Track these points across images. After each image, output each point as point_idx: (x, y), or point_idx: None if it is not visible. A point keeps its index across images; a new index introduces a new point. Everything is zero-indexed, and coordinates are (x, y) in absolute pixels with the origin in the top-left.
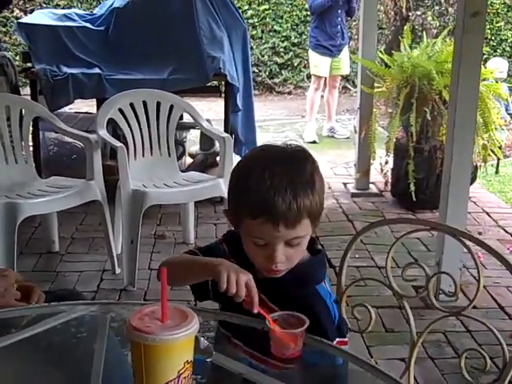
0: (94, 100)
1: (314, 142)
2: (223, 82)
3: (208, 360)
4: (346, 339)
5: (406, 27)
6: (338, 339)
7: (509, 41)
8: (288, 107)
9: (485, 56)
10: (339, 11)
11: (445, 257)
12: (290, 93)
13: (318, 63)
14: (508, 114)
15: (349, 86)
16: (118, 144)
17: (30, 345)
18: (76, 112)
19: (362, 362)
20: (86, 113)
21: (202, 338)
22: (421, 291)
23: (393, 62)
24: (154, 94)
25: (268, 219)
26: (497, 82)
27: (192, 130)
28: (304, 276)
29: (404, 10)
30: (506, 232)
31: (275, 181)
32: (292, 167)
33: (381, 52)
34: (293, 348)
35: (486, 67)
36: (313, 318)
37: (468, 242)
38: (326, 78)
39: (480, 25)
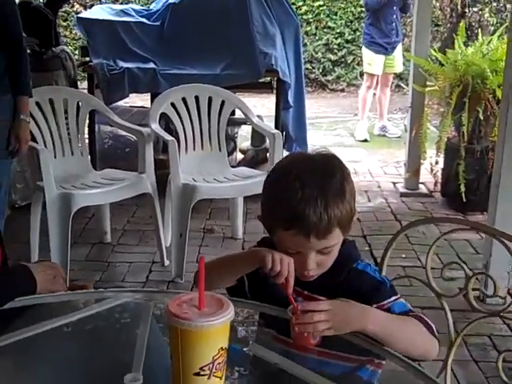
0: (149, 94)
1: (366, 141)
2: (275, 79)
3: (244, 349)
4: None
5: (461, 24)
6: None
7: None
8: (340, 105)
9: None
10: (394, 8)
11: (492, 260)
12: (342, 90)
13: (372, 61)
14: None
15: (402, 85)
16: (169, 138)
17: (75, 328)
18: (131, 106)
19: (401, 361)
20: (140, 107)
21: (240, 328)
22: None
23: (446, 60)
24: (206, 89)
25: (300, 231)
26: None
27: (243, 126)
28: (339, 262)
29: (460, 7)
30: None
31: (306, 192)
32: (323, 177)
33: (434, 50)
34: (310, 337)
35: None
36: (363, 295)
37: None
38: (378, 76)
39: None
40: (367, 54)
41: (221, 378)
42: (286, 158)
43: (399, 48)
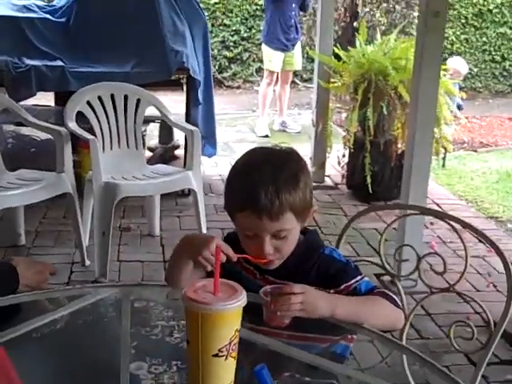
0: (52, 93)
1: (267, 137)
2: (185, 76)
3: None
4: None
5: (361, 23)
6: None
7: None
8: (238, 102)
9: None
10: (293, 5)
11: (405, 247)
12: (238, 87)
13: (272, 58)
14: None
15: (297, 81)
16: (89, 137)
17: (56, 326)
18: (34, 105)
19: (425, 361)
20: (44, 105)
21: None
22: (382, 278)
23: (349, 57)
24: (121, 87)
25: (253, 212)
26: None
27: (151, 124)
28: (307, 249)
29: (353, 7)
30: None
31: (261, 177)
32: (278, 166)
33: (337, 48)
34: (279, 315)
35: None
36: (332, 277)
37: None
38: (278, 72)
39: (441, 24)
40: (267, 51)
41: (235, 358)
42: (248, 151)
43: (298, 45)
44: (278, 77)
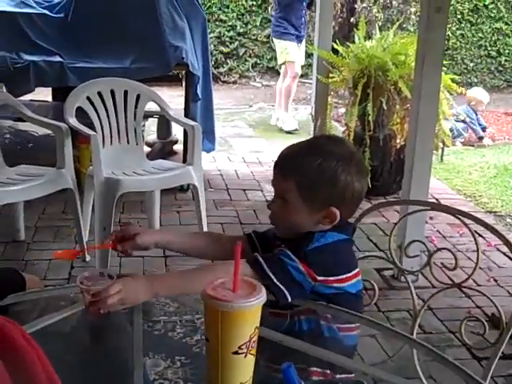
0: (49, 88)
1: (296, 131)
2: (183, 71)
3: None
4: None
5: (360, 19)
6: None
7: None
8: (234, 97)
9: None
10: (304, 4)
11: (407, 241)
12: (235, 82)
13: (289, 49)
14: (480, 126)
15: None
16: (90, 132)
17: (67, 324)
18: (31, 100)
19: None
20: (42, 101)
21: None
22: (383, 273)
23: (348, 53)
24: (121, 83)
25: (274, 166)
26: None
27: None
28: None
29: (350, 3)
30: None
31: (291, 151)
32: (310, 150)
33: (336, 43)
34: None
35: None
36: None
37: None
38: (295, 62)
39: (443, 20)
40: (282, 44)
41: (254, 356)
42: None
43: (303, 42)
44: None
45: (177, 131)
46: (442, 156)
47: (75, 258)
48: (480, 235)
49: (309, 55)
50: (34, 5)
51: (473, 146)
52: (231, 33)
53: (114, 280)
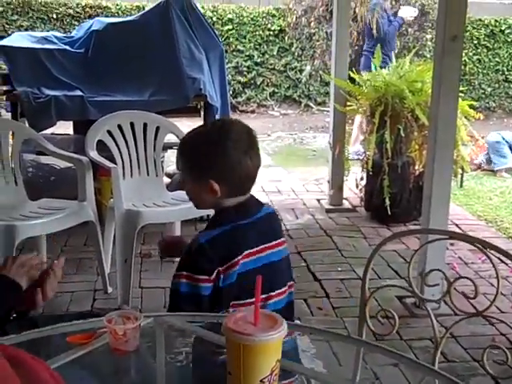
0: (70, 121)
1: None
2: (202, 102)
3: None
4: None
5: (376, 48)
6: None
7: None
8: (252, 126)
9: None
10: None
11: (427, 268)
12: (253, 111)
13: None
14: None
15: (311, 104)
16: (111, 165)
17: (89, 356)
18: (52, 133)
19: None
20: (63, 134)
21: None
22: (405, 301)
23: (365, 81)
24: (141, 115)
25: None
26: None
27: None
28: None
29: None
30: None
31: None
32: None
33: (353, 72)
34: (124, 342)
35: None
36: None
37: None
38: None
39: (458, 48)
40: None
41: None
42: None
43: None
44: None
45: None
46: (461, 182)
47: (88, 342)
48: (502, 261)
49: (326, 84)
50: (56, 40)
51: (492, 171)
52: (248, 62)
53: (139, 321)
